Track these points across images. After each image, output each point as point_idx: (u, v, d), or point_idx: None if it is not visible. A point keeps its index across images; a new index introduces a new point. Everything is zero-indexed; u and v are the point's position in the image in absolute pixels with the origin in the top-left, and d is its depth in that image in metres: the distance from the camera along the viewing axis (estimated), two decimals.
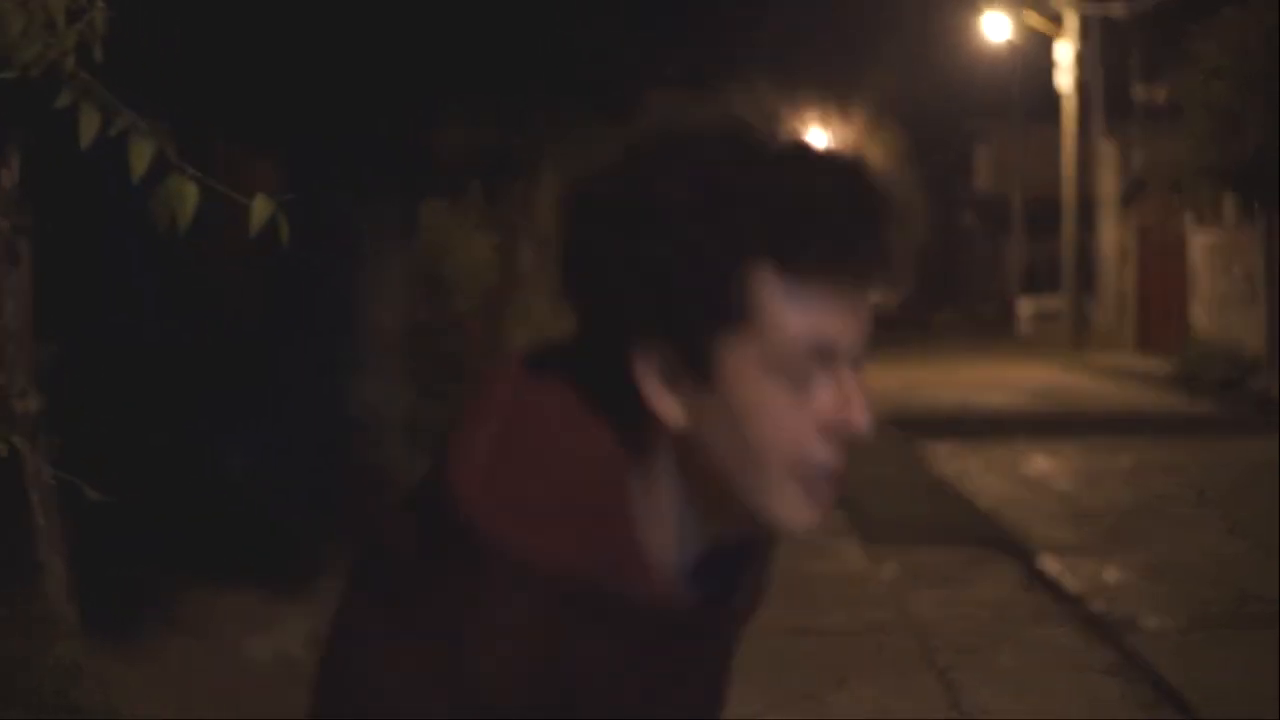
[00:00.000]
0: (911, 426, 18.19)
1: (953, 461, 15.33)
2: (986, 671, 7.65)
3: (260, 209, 3.14)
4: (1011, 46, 43.02)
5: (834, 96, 72.95)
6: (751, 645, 1.93)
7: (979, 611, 8.95)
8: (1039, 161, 44.92)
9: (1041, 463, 15.22)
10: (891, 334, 39.26)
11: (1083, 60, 34.79)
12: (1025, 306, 40.34)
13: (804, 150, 1.52)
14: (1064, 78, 35.27)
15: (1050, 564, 10.17)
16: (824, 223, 1.47)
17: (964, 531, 11.55)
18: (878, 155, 1.58)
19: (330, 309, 10.38)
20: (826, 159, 1.52)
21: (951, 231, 56.15)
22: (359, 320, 10.43)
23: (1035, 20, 36.85)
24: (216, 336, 10.15)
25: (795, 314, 1.50)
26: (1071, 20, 35.17)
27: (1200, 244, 28.01)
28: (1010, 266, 45.77)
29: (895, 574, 10.05)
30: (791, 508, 1.56)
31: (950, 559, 10.55)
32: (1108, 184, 35.55)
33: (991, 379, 26.20)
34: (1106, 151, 35.66)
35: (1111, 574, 9.88)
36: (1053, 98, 42.11)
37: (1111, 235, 35.30)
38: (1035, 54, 41.73)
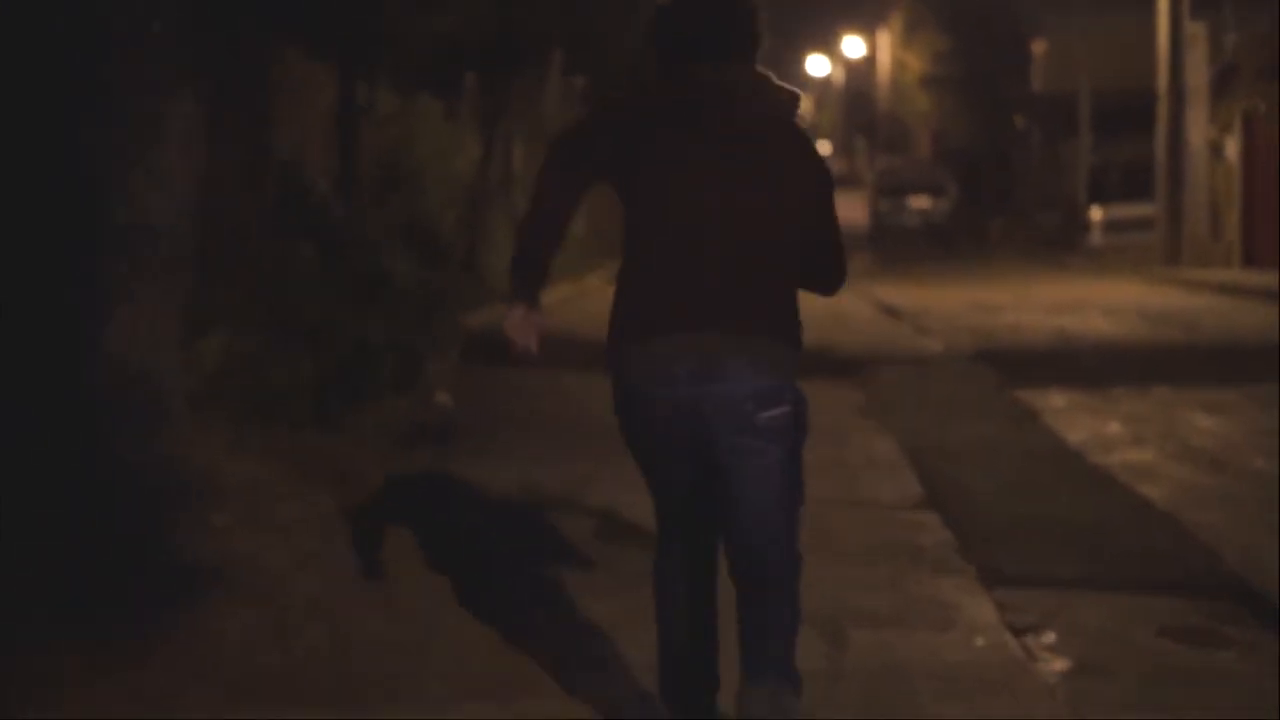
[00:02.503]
0: (1003, 364, 13.68)
1: (1078, 420, 10.79)
2: None
3: None
4: None
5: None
6: None
7: None
8: (1105, 54, 40.04)
9: (1208, 423, 10.65)
10: (946, 247, 34.69)
11: None
12: (1097, 215, 35.58)
13: None
14: None
15: None
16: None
17: (1147, 556, 7.05)
18: None
19: (69, 202, 5.87)
20: None
21: (1004, 135, 51.20)
22: (116, 218, 5.92)
23: None
24: None
25: None
26: None
27: None
28: (1076, 172, 40.91)
29: (1068, 667, 5.55)
30: None
31: (1152, 624, 6.03)
32: (1196, 73, 30.64)
33: (1078, 299, 21.60)
34: (1195, 35, 30.74)
35: None
36: None
37: (1200, 131, 30.46)
38: None
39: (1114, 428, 10.47)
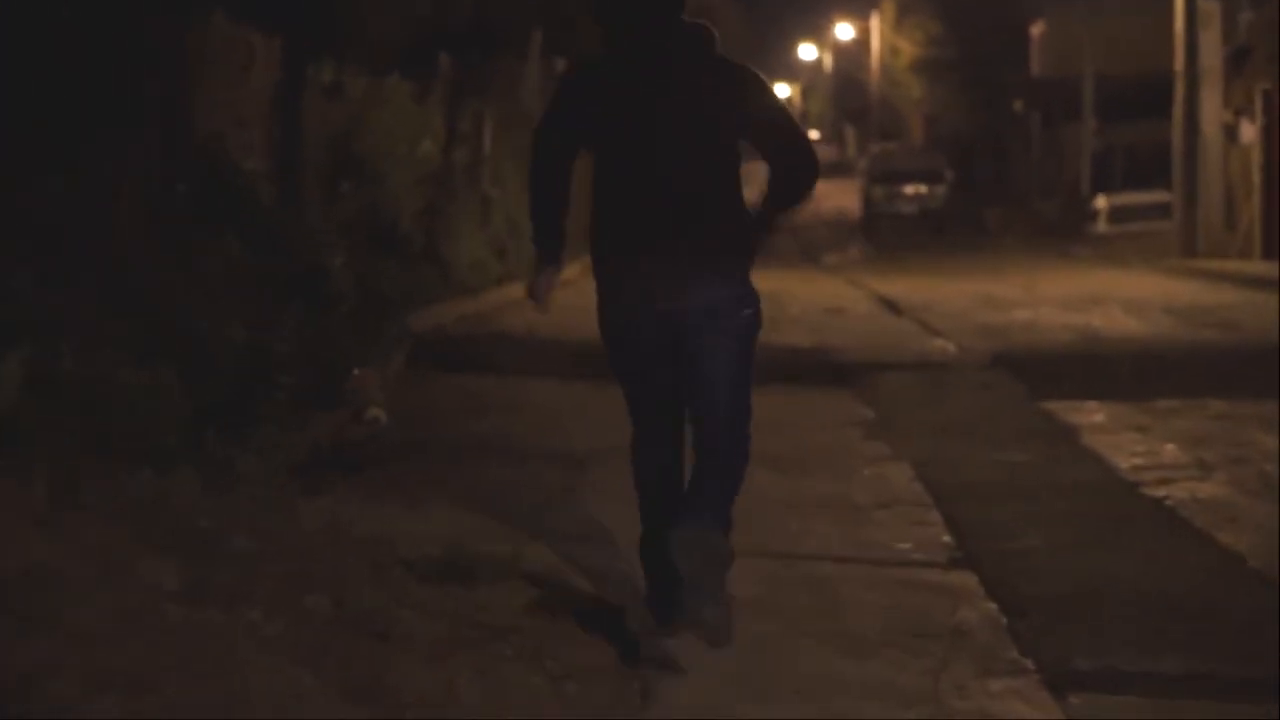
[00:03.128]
0: (1027, 370, 12.04)
1: (1125, 442, 9.11)
2: None
3: None
4: None
5: None
6: None
7: None
8: (1108, 38, 38.49)
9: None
10: (941, 235, 33.12)
11: None
12: (1102, 203, 33.93)
13: None
14: None
15: None
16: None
17: (1255, 638, 5.38)
18: None
19: None
20: None
21: (1001, 120, 49.57)
22: None
23: None
24: None
25: None
26: None
27: None
28: (1078, 158, 39.28)
29: None
30: None
31: None
32: (1210, 54, 28.93)
33: (1093, 292, 19.92)
34: (1209, 14, 29.03)
35: None
36: None
37: (1214, 114, 28.77)
38: None
39: (1170, 451, 8.79)
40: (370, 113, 17.44)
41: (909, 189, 39.94)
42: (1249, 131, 26.93)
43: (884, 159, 42.34)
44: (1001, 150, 49.24)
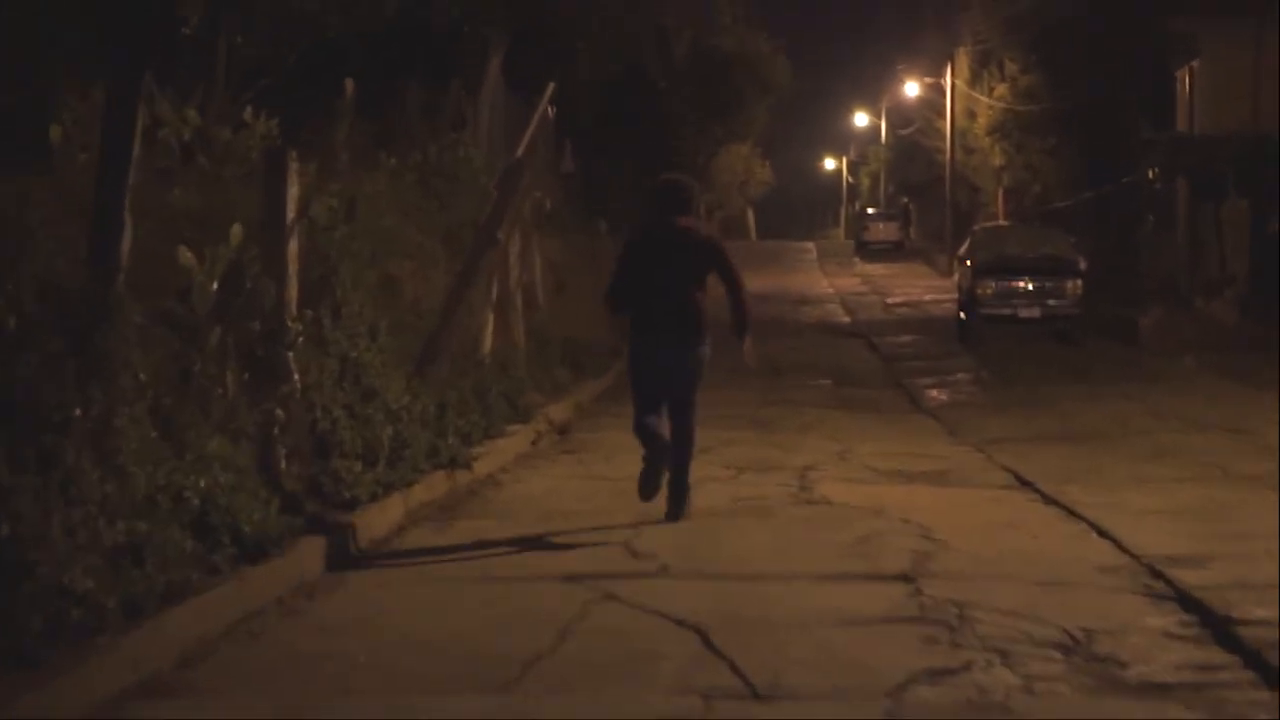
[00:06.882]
0: None
1: None
2: None
3: None
4: None
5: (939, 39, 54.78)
6: None
7: None
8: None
9: None
10: (1079, 350, 19.83)
11: None
12: None
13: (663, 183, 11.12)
14: None
15: None
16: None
17: None
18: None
19: None
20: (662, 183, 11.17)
21: (1127, 192, 38.44)
22: None
23: None
24: None
25: None
26: None
27: None
28: (1260, 242, 28.02)
29: None
30: None
31: None
32: None
33: None
34: None
35: None
36: None
37: None
38: None
39: None
40: None
41: (1029, 284, 28.42)
42: None
43: (993, 242, 30.66)
44: (1127, 230, 38.02)
